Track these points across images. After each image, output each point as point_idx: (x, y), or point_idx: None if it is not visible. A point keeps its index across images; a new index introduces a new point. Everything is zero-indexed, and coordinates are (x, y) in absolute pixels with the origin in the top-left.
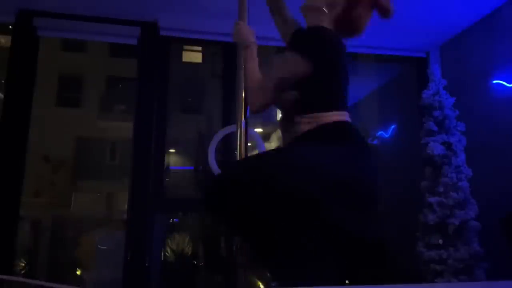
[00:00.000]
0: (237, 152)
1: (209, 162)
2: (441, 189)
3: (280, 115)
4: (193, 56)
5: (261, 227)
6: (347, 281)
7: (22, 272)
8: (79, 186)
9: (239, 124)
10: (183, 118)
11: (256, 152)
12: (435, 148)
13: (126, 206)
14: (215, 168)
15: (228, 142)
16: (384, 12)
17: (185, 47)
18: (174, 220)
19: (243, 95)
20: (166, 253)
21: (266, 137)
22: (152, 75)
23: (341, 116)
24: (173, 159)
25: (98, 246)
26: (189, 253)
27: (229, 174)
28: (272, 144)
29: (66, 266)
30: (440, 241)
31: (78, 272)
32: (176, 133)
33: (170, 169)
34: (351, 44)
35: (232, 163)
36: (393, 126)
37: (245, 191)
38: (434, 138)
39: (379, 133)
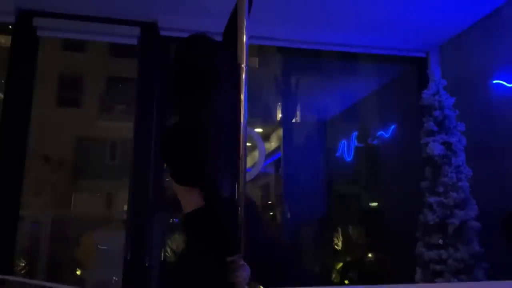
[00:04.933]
0: (238, 152)
1: None
2: (441, 189)
3: None
4: None
5: None
6: (346, 281)
7: (22, 272)
8: (79, 186)
9: (239, 123)
10: None
11: (256, 152)
12: (435, 148)
13: (126, 206)
14: None
15: None
16: None
17: None
18: (174, 220)
19: (242, 95)
20: (166, 253)
21: (266, 137)
22: (152, 75)
23: None
24: None
25: (98, 246)
26: None
27: None
28: (272, 144)
29: (66, 266)
30: (440, 241)
31: (78, 272)
32: None
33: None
34: (351, 44)
35: None
36: (393, 126)
37: None
38: (434, 138)
39: (379, 133)
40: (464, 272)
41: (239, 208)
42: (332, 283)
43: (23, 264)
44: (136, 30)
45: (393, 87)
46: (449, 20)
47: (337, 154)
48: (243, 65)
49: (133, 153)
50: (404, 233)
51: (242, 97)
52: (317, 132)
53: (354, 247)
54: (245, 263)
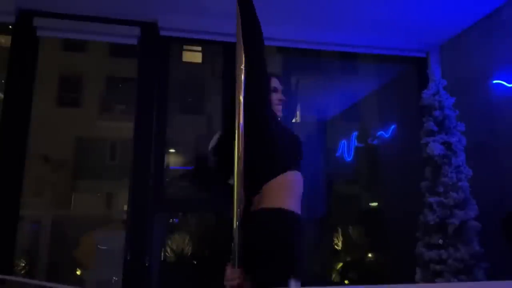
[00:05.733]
0: (235, 153)
1: (209, 162)
2: (441, 189)
3: None
4: (193, 56)
5: None
6: (346, 281)
7: (22, 272)
8: (79, 186)
9: (237, 124)
10: (183, 118)
11: None
12: (435, 148)
13: (126, 206)
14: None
15: None
16: None
17: (185, 47)
18: (174, 220)
19: (242, 95)
20: (166, 253)
21: None
22: (152, 75)
23: None
24: (173, 159)
25: (98, 246)
26: (189, 253)
27: None
28: None
29: (66, 266)
30: (440, 241)
31: (78, 272)
32: (176, 133)
33: (170, 169)
34: (351, 44)
35: None
36: (393, 126)
37: None
38: (434, 138)
39: (379, 133)
40: (464, 272)
41: (236, 213)
42: (332, 283)
43: (23, 264)
44: (136, 30)
45: (393, 87)
46: (449, 20)
47: (337, 154)
48: (242, 66)
49: (133, 153)
50: (404, 233)
51: (241, 98)
52: (317, 132)
53: (354, 247)
54: (228, 270)
